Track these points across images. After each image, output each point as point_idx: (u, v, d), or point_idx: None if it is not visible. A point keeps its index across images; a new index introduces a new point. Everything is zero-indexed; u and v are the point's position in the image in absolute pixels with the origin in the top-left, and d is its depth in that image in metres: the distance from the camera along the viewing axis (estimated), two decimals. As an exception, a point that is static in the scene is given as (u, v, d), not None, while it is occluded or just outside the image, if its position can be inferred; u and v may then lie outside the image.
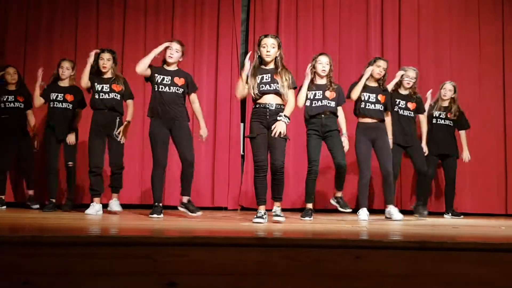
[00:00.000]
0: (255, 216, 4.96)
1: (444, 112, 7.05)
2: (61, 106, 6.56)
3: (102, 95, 6.19)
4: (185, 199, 5.71)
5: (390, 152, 6.15)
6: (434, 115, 7.06)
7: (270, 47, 5.07)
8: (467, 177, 7.84)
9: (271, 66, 5.11)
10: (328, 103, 5.88)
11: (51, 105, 6.57)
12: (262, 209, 5.01)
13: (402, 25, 8.09)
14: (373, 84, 6.25)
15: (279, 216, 5.01)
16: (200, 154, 7.78)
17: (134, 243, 2.82)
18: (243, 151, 7.95)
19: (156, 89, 5.68)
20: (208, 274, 2.78)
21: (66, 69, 6.61)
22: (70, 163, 6.61)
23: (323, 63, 5.89)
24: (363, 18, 8.12)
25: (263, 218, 4.92)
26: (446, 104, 7.08)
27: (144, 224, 4.61)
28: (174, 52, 5.75)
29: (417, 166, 6.68)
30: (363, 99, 6.15)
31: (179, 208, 5.70)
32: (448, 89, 7.07)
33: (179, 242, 2.85)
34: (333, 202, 6.11)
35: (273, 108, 5.03)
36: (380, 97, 6.16)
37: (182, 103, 5.76)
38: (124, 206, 6.49)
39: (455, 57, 8.09)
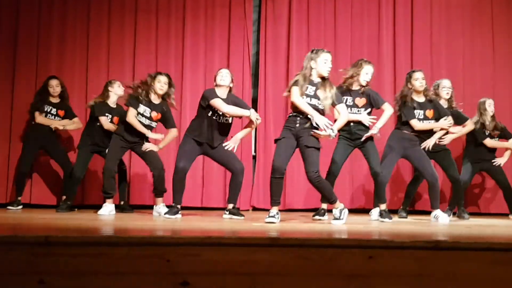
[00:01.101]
0: (268, 216, 4.97)
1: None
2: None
3: (144, 120, 6.23)
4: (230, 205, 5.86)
5: (426, 157, 5.91)
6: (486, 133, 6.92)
7: (330, 63, 5.11)
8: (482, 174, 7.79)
9: (318, 79, 5.13)
10: (358, 111, 5.83)
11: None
12: (275, 209, 5.01)
13: (415, 21, 8.04)
14: (421, 99, 5.97)
15: (338, 219, 5.02)
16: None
17: (147, 243, 2.84)
18: (255, 152, 7.95)
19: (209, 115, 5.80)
20: (221, 274, 2.79)
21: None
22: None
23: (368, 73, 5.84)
24: (374, 17, 8.08)
25: (275, 218, 4.92)
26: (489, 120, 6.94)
27: (157, 225, 4.63)
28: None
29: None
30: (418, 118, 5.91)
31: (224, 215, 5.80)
32: (491, 105, 6.93)
33: (192, 242, 2.87)
34: (374, 217, 5.92)
35: (304, 118, 5.03)
36: (427, 112, 5.92)
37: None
38: (137, 207, 6.52)
39: (468, 52, 8.02)
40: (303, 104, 5.00)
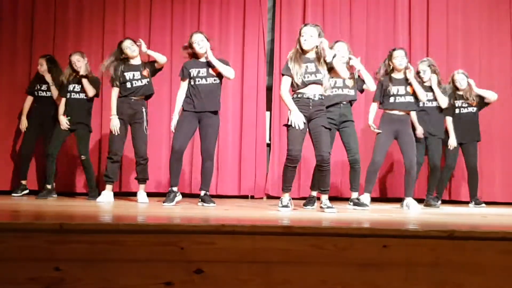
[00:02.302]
0: (281, 205, 4.97)
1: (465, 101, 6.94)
2: (78, 97, 6.64)
3: (135, 83, 6.25)
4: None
5: (414, 144, 6.03)
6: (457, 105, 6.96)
7: (308, 36, 5.00)
8: (497, 165, 7.75)
9: (313, 55, 5.04)
10: (348, 91, 5.83)
11: (68, 96, 6.64)
12: (287, 196, 5.01)
13: (430, 11, 7.98)
14: (399, 76, 6.08)
15: (330, 207, 4.97)
16: (227, 143, 7.81)
17: (162, 231, 2.85)
18: (270, 140, 7.94)
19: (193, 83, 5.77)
20: (235, 262, 2.80)
21: (77, 61, 6.64)
22: (82, 156, 6.62)
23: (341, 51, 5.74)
24: (391, 2, 8.04)
25: (288, 207, 4.93)
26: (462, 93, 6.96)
27: (171, 212, 4.64)
28: (200, 42, 5.82)
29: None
30: (392, 93, 6.01)
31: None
32: (461, 79, 6.93)
33: (207, 230, 2.87)
34: (349, 206, 5.84)
35: (316, 99, 4.96)
36: (409, 88, 6.00)
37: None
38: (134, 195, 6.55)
39: (486, 41, 7.95)
40: (287, 99, 4.97)
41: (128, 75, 6.25)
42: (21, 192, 6.98)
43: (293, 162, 4.97)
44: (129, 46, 6.32)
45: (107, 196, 6.15)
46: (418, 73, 6.55)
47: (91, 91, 6.56)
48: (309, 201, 5.81)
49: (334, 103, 5.76)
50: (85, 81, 6.52)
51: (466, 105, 6.92)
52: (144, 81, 6.28)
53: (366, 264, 2.82)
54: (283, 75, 5.05)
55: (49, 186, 6.65)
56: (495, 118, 7.73)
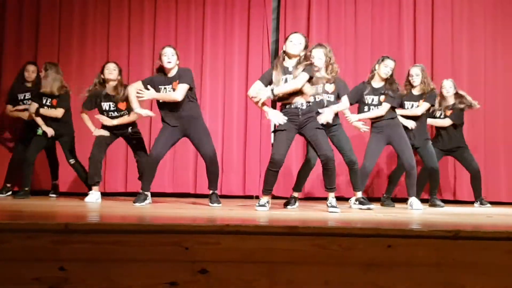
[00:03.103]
0: (258, 204, 5.02)
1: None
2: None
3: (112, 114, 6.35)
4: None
5: (409, 145, 5.99)
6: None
7: (295, 41, 5.01)
8: (502, 165, 7.73)
9: (293, 63, 5.03)
10: (328, 97, 5.76)
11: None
12: (266, 198, 5.05)
13: (435, 13, 7.96)
14: (378, 84, 6.00)
15: (334, 207, 4.97)
16: (232, 143, 7.81)
17: (166, 231, 2.85)
18: (274, 140, 7.93)
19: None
20: (239, 262, 2.80)
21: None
22: (71, 161, 6.67)
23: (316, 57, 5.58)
24: (395, 5, 8.02)
25: (266, 206, 4.98)
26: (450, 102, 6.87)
27: (176, 212, 4.65)
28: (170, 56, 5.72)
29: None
30: (366, 102, 5.98)
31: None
32: (449, 86, 6.86)
33: (211, 230, 2.87)
34: (354, 205, 5.78)
35: (304, 107, 4.97)
36: (382, 98, 5.93)
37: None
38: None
39: (490, 44, 7.93)
40: (255, 99, 5.04)
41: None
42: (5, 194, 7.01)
43: (275, 166, 5.00)
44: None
45: (95, 196, 6.18)
46: (408, 76, 6.53)
47: (59, 112, 6.62)
48: (289, 201, 5.86)
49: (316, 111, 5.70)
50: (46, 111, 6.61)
51: (443, 115, 6.85)
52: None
53: (370, 264, 2.82)
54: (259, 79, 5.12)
55: (26, 188, 6.62)
56: (499, 118, 7.71)
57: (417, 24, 7.97)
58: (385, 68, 5.94)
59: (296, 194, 5.92)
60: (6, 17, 7.91)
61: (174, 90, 5.63)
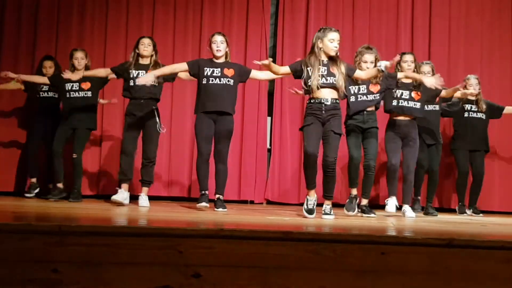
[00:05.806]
0: (306, 206, 4.99)
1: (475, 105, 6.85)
2: (78, 95, 6.58)
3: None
4: None
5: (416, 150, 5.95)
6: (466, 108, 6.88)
7: (336, 43, 5.04)
8: (496, 174, 7.74)
9: (327, 59, 5.04)
10: (374, 97, 5.75)
11: (68, 96, 6.59)
12: (313, 197, 5.00)
13: (433, 17, 7.99)
14: (407, 80, 5.94)
15: (328, 214, 4.96)
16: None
17: (160, 234, 2.85)
18: (270, 145, 7.94)
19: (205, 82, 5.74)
20: (233, 266, 2.80)
21: (81, 59, 6.56)
22: (74, 154, 6.54)
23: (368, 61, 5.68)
24: (393, 9, 8.05)
25: (312, 213, 4.96)
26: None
27: (171, 216, 4.64)
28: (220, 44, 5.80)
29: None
30: (395, 96, 5.87)
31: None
32: (475, 84, 6.79)
33: (205, 234, 2.87)
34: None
35: (329, 103, 4.96)
36: (414, 94, 5.87)
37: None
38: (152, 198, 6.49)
39: (486, 47, 7.96)
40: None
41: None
42: (34, 192, 6.91)
43: (309, 159, 4.97)
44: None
45: (124, 195, 5.93)
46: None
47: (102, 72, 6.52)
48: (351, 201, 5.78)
49: (358, 111, 5.72)
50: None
51: (476, 109, 6.84)
52: None
53: (364, 271, 2.82)
54: (290, 67, 5.17)
55: (59, 185, 6.54)
56: (493, 126, 7.69)
57: (414, 29, 8.01)
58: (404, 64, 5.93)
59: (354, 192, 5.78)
60: (5, 13, 7.86)
61: (226, 76, 5.75)
